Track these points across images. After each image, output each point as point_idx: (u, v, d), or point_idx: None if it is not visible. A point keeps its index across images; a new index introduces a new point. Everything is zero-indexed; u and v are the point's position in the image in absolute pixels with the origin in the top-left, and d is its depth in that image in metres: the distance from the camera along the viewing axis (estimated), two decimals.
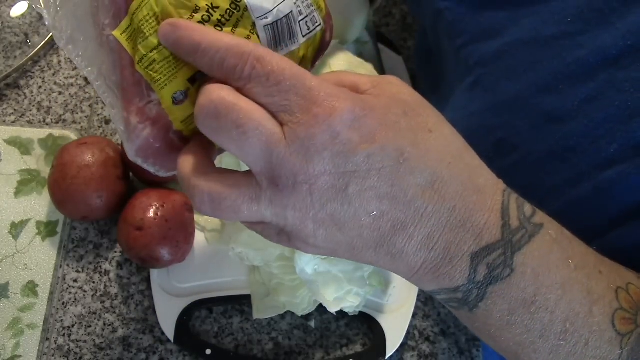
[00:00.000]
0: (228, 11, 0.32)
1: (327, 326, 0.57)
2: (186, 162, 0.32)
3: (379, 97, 0.31)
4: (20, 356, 0.53)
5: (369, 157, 0.29)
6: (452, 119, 0.42)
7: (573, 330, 0.32)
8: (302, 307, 0.54)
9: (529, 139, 0.41)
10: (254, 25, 0.32)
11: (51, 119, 0.63)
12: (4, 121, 0.62)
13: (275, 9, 0.33)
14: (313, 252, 0.32)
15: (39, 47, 0.65)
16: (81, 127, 0.63)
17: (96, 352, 0.54)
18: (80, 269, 0.57)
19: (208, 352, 0.54)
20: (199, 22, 0.32)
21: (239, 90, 0.29)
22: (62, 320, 0.55)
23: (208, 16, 0.32)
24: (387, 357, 0.55)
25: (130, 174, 0.58)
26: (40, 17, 0.67)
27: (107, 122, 0.64)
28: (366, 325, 0.57)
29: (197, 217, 0.57)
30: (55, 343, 0.54)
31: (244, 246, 0.53)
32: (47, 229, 0.58)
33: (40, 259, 0.57)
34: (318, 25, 0.35)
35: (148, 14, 0.32)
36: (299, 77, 0.29)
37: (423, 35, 0.59)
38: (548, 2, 0.42)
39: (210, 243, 0.57)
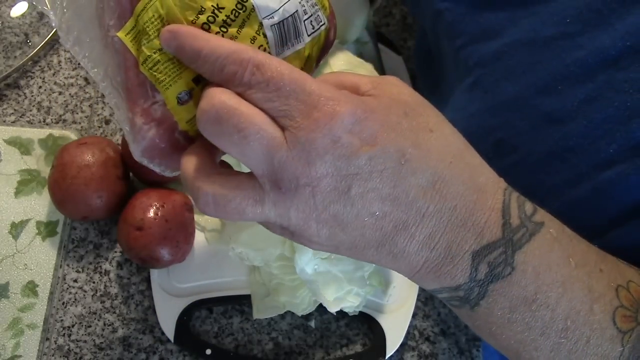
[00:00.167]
0: (234, 11, 0.32)
1: (327, 326, 0.57)
2: (189, 164, 0.32)
3: (379, 98, 0.31)
4: (20, 356, 0.53)
5: (370, 159, 0.29)
6: (452, 120, 0.42)
7: (574, 328, 0.32)
8: (302, 307, 0.54)
9: (529, 140, 0.41)
10: (260, 25, 0.33)
11: (51, 119, 0.63)
12: (4, 121, 0.62)
13: (281, 8, 0.33)
14: (316, 249, 0.32)
15: (39, 47, 0.65)
16: (81, 127, 0.63)
17: (96, 352, 0.54)
18: (80, 269, 0.57)
19: (208, 352, 0.54)
20: (204, 23, 0.32)
21: (240, 95, 0.30)
22: (62, 320, 0.55)
23: (213, 17, 0.32)
24: (387, 357, 0.55)
25: (130, 174, 0.58)
26: (41, 17, 0.67)
27: (107, 122, 0.64)
28: (366, 325, 0.57)
29: (197, 217, 0.57)
30: (55, 343, 0.54)
31: (244, 246, 0.53)
32: (47, 229, 0.58)
33: (40, 259, 0.57)
34: (322, 24, 0.35)
35: (153, 15, 0.32)
36: (299, 81, 0.29)
37: (423, 36, 0.59)
38: (547, 3, 0.42)
39: (210, 243, 0.57)
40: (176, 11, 0.32)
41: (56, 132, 0.62)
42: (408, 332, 0.56)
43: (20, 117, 0.63)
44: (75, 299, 0.56)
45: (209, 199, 0.30)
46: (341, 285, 0.52)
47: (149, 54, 0.33)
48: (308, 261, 0.51)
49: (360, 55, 0.60)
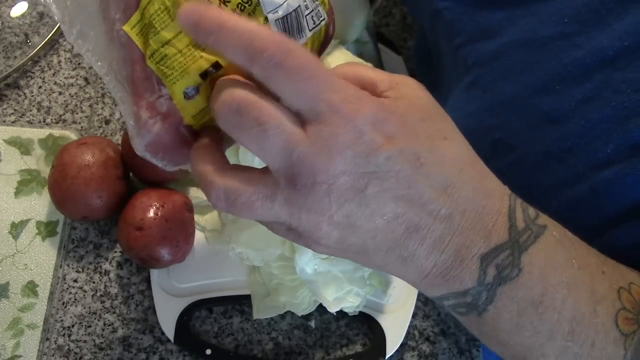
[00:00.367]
0: (240, 5, 0.32)
1: (327, 326, 0.57)
2: (201, 158, 0.32)
3: (397, 101, 0.31)
4: (20, 356, 0.53)
5: (388, 159, 0.29)
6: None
7: (579, 331, 0.32)
8: (302, 307, 0.54)
9: (526, 140, 0.41)
10: (265, 19, 0.33)
11: (51, 119, 0.63)
12: (4, 121, 0.62)
13: (285, 3, 0.33)
14: (322, 252, 0.32)
15: (39, 47, 0.65)
16: (81, 127, 0.63)
17: (96, 352, 0.54)
18: (80, 269, 0.57)
19: (208, 352, 0.54)
20: None
21: (261, 78, 0.29)
22: (62, 320, 0.55)
23: None
24: (387, 357, 0.55)
25: (130, 174, 0.58)
26: (41, 17, 0.67)
27: (107, 122, 0.64)
28: (366, 325, 0.57)
29: (197, 217, 0.57)
30: (55, 343, 0.54)
31: (244, 246, 0.53)
32: (47, 229, 0.58)
33: (40, 259, 0.57)
34: (322, 20, 0.35)
35: (159, 8, 0.32)
36: (329, 76, 0.29)
37: (422, 36, 0.59)
38: (545, 2, 0.42)
39: (210, 243, 0.57)
40: (183, 4, 0.32)
41: (56, 132, 0.62)
42: (408, 332, 0.56)
43: (20, 117, 0.63)
44: (75, 299, 0.56)
45: (220, 193, 0.30)
46: (341, 285, 0.52)
47: (156, 47, 0.33)
48: (308, 261, 0.51)
49: (360, 55, 0.60)
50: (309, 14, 0.34)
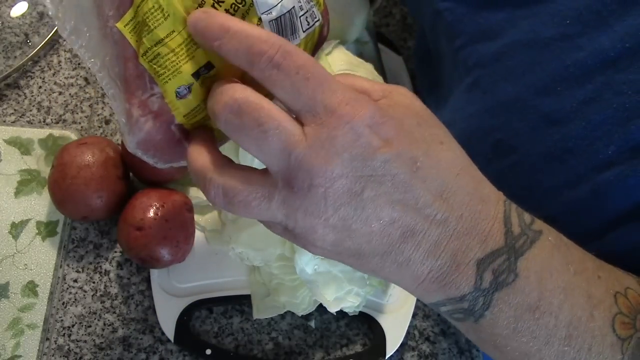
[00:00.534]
0: (233, 5, 0.32)
1: (327, 326, 0.57)
2: (199, 156, 0.32)
3: (393, 106, 0.31)
4: (20, 356, 0.53)
5: (385, 162, 0.29)
6: (451, 120, 0.42)
7: (576, 335, 0.32)
8: (302, 307, 0.54)
9: (527, 141, 0.41)
10: (260, 20, 0.33)
11: (51, 119, 0.63)
12: (4, 121, 0.62)
13: (279, 4, 0.33)
14: (318, 254, 0.32)
15: (39, 47, 0.65)
16: (81, 127, 0.63)
17: (96, 352, 0.54)
18: (80, 269, 0.57)
19: (208, 352, 0.54)
20: None
21: (261, 80, 0.29)
22: (62, 320, 0.55)
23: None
24: (387, 357, 0.55)
25: (130, 174, 0.58)
26: (41, 17, 0.67)
27: (107, 122, 0.64)
28: (366, 325, 0.57)
29: (197, 217, 0.57)
30: (55, 343, 0.54)
31: (244, 246, 0.53)
32: (47, 229, 0.58)
33: (40, 259, 0.57)
34: (317, 21, 0.35)
35: (153, 6, 0.32)
36: (327, 77, 0.29)
37: (422, 36, 0.59)
38: (546, 4, 0.42)
39: (210, 243, 0.57)
40: (176, 3, 0.32)
41: (56, 132, 0.62)
42: (408, 332, 0.56)
43: (20, 117, 0.63)
44: (75, 299, 0.56)
45: (219, 191, 0.30)
46: (341, 285, 0.52)
47: (149, 46, 0.33)
48: (308, 261, 0.51)
49: (360, 55, 0.60)
50: (303, 15, 0.34)
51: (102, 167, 0.54)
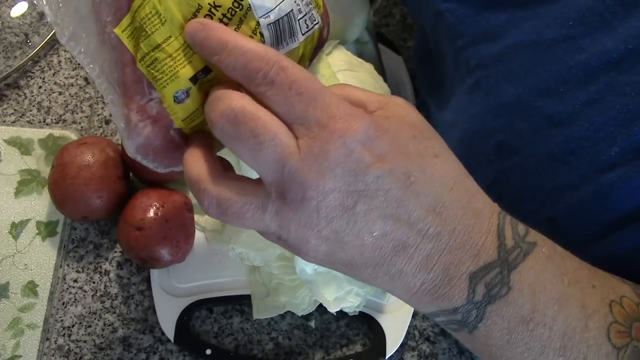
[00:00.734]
0: (230, 10, 0.32)
1: (327, 326, 0.57)
2: (194, 164, 0.32)
3: (388, 119, 0.31)
4: (20, 356, 0.53)
5: (378, 178, 0.29)
6: (453, 121, 0.42)
7: (571, 346, 0.32)
8: (302, 307, 0.54)
9: (530, 142, 0.41)
10: (257, 24, 0.33)
11: (51, 119, 0.63)
12: (4, 121, 0.62)
13: (277, 7, 0.33)
14: (311, 262, 0.32)
15: (39, 47, 0.65)
16: (81, 127, 0.63)
17: (96, 352, 0.54)
18: (80, 269, 0.57)
19: (208, 352, 0.54)
20: None
21: (257, 95, 0.30)
22: (62, 320, 0.55)
23: (210, 15, 0.32)
24: (387, 357, 0.55)
25: (130, 174, 0.58)
26: (41, 17, 0.67)
27: (107, 122, 0.64)
28: (366, 325, 0.57)
29: (197, 217, 0.57)
30: (55, 343, 0.54)
31: (244, 246, 0.53)
32: (47, 229, 0.58)
33: (40, 259, 0.57)
34: (316, 23, 0.35)
35: (150, 12, 0.32)
36: (320, 91, 0.29)
37: (423, 36, 0.59)
38: (549, 5, 0.42)
39: (210, 243, 0.57)
40: (174, 8, 0.32)
41: (56, 132, 0.62)
42: (408, 332, 0.56)
43: (20, 117, 0.63)
44: (75, 299, 0.56)
45: (213, 201, 0.31)
46: (341, 285, 0.52)
47: (146, 51, 0.33)
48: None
49: (360, 55, 0.60)
50: (302, 17, 0.34)
51: (102, 167, 0.54)
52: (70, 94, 0.64)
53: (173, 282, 0.56)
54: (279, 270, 0.54)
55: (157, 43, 0.32)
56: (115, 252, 0.58)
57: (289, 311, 0.55)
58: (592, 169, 0.38)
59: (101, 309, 0.56)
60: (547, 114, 0.40)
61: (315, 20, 0.35)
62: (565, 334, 0.32)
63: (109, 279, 0.57)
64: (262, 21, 0.33)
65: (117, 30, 0.33)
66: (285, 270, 0.54)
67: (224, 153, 0.36)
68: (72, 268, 0.57)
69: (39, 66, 0.66)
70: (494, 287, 0.31)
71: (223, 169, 0.32)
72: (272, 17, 0.33)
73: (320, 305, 0.54)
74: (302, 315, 0.56)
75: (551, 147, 0.40)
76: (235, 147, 0.30)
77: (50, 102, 0.64)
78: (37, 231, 0.58)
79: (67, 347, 0.54)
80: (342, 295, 0.53)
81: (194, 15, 0.32)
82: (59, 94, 0.64)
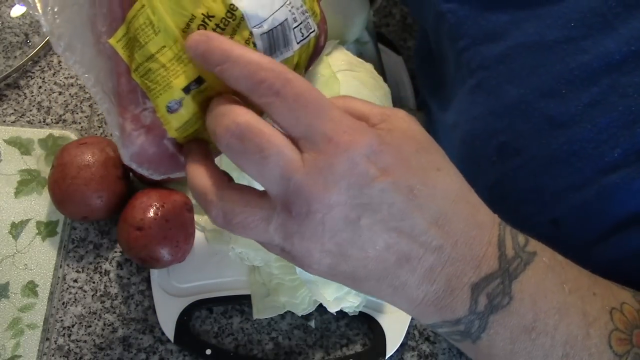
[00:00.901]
0: (223, 20, 0.32)
1: (327, 326, 0.57)
2: (199, 176, 0.32)
3: (392, 132, 0.31)
4: (20, 356, 0.53)
5: (382, 191, 0.30)
6: (455, 122, 0.42)
7: (573, 354, 0.33)
8: (302, 307, 0.54)
9: (532, 143, 0.41)
10: (251, 34, 0.32)
11: (51, 119, 0.63)
12: (4, 121, 0.62)
13: (271, 17, 0.33)
14: (314, 274, 0.32)
15: (39, 47, 0.65)
16: (81, 127, 0.63)
17: (96, 352, 0.54)
18: (80, 269, 0.57)
19: (208, 352, 0.54)
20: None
21: (260, 106, 0.30)
22: (62, 320, 0.55)
23: (204, 25, 0.32)
24: (387, 357, 0.55)
25: (131, 174, 0.58)
26: None
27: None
28: (366, 325, 0.57)
29: (197, 217, 0.57)
30: (55, 343, 0.54)
31: (244, 246, 0.53)
32: (47, 229, 0.58)
33: (40, 259, 0.57)
34: (312, 32, 0.35)
35: (144, 22, 0.32)
36: (324, 104, 0.30)
37: (424, 36, 0.59)
38: (551, 6, 0.42)
39: (210, 243, 0.57)
40: (167, 19, 0.32)
41: (56, 132, 0.62)
42: (408, 332, 0.56)
43: (20, 117, 0.63)
44: (75, 299, 0.56)
45: (219, 212, 0.31)
46: (341, 285, 0.52)
47: (140, 61, 0.33)
48: None
49: (360, 55, 0.60)
50: (297, 26, 0.34)
51: (102, 167, 0.54)
52: (70, 94, 0.64)
53: (173, 282, 0.56)
54: (279, 270, 0.54)
55: (150, 53, 0.32)
56: (115, 252, 0.58)
57: (289, 311, 0.55)
58: (594, 171, 0.38)
59: (101, 309, 0.56)
60: (549, 115, 0.40)
61: (311, 29, 0.35)
62: (567, 342, 0.32)
63: (109, 279, 0.57)
64: (255, 31, 0.33)
65: (112, 41, 0.33)
66: (285, 270, 0.54)
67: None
68: (72, 268, 0.57)
69: (39, 66, 0.66)
70: (496, 297, 0.31)
71: (227, 179, 0.33)
72: (266, 27, 0.33)
73: (320, 305, 0.54)
74: (302, 315, 0.56)
75: (554, 148, 0.40)
76: (241, 161, 0.30)
77: (50, 102, 0.64)
78: (37, 231, 0.58)
79: (67, 347, 0.54)
80: (342, 295, 0.53)
81: (187, 25, 0.32)
82: (59, 94, 0.64)
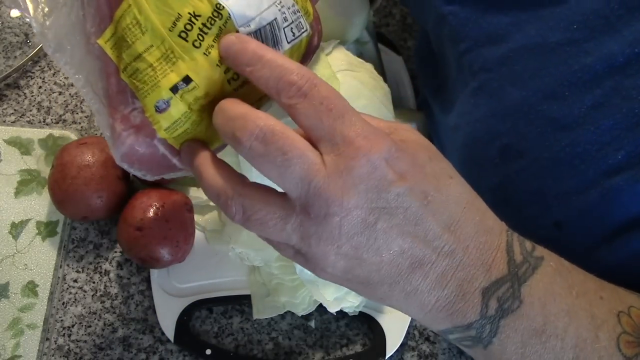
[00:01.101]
0: (210, 19, 0.32)
1: (327, 326, 0.57)
2: (214, 174, 0.33)
3: (405, 141, 0.32)
4: (20, 356, 0.53)
5: (399, 195, 0.30)
6: (457, 125, 0.42)
7: (583, 357, 0.33)
8: (302, 307, 0.54)
9: (535, 145, 0.41)
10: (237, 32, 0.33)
11: (51, 119, 0.63)
12: (4, 121, 0.62)
13: (259, 16, 0.33)
14: (327, 279, 0.33)
15: (39, 47, 0.65)
16: (81, 127, 0.63)
17: (96, 352, 0.54)
18: (80, 269, 0.57)
19: (208, 352, 0.54)
20: (182, 31, 0.32)
21: (285, 107, 0.31)
22: (62, 320, 0.55)
23: (191, 25, 0.32)
24: (387, 357, 0.55)
25: (130, 174, 0.58)
26: None
27: None
28: (366, 325, 0.57)
29: (197, 217, 0.57)
30: (55, 343, 0.54)
31: (244, 246, 0.53)
32: (47, 229, 0.58)
33: (40, 259, 0.57)
34: (304, 31, 0.35)
35: (131, 22, 0.32)
36: (347, 109, 0.31)
37: (424, 37, 0.59)
38: (553, 8, 0.42)
39: (210, 243, 0.57)
40: (153, 18, 0.32)
41: (56, 132, 0.62)
42: (408, 332, 0.56)
43: (20, 117, 0.63)
44: (75, 299, 0.56)
45: (239, 208, 0.31)
46: (341, 285, 0.52)
47: (128, 61, 0.33)
48: None
49: (360, 55, 0.60)
50: (287, 26, 0.34)
51: (102, 167, 0.54)
52: (70, 94, 0.64)
53: (173, 282, 0.56)
54: (279, 270, 0.54)
55: (138, 53, 0.32)
56: (115, 252, 0.58)
57: (289, 311, 0.55)
58: (598, 173, 0.38)
59: (101, 309, 0.56)
60: (552, 117, 0.40)
61: (303, 28, 0.35)
62: (577, 345, 0.33)
63: (109, 279, 0.57)
64: (242, 30, 0.33)
65: (100, 41, 0.34)
66: (285, 270, 0.54)
67: (223, 155, 0.36)
68: (72, 268, 0.57)
69: (39, 66, 0.66)
70: (506, 301, 0.32)
71: (244, 177, 0.33)
72: (253, 26, 0.33)
73: (320, 305, 0.54)
74: (302, 315, 0.56)
75: (557, 151, 0.40)
76: (262, 164, 0.31)
77: (50, 102, 0.64)
78: (37, 231, 0.58)
79: (67, 347, 0.54)
80: (342, 295, 0.53)
81: (174, 24, 0.32)
82: (59, 94, 0.64)
